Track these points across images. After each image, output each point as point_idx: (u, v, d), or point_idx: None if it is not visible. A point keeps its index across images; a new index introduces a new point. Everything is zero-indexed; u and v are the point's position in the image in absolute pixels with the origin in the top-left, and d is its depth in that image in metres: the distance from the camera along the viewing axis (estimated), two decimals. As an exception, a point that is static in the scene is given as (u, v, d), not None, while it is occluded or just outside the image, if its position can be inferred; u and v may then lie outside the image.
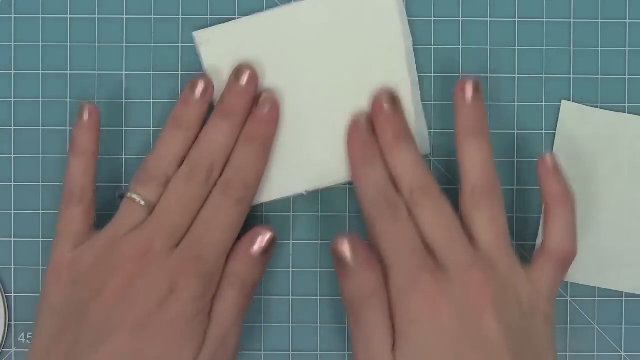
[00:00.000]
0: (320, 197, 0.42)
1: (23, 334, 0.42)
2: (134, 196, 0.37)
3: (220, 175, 0.38)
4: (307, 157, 0.41)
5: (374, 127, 0.39)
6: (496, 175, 0.38)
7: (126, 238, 0.36)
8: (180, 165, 0.38)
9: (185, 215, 0.37)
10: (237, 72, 0.39)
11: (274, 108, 0.39)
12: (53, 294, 0.36)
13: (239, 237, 0.38)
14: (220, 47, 0.41)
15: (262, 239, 0.38)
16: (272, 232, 0.38)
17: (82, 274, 0.36)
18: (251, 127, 0.39)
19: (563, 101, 0.42)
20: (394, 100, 0.39)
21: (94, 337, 0.34)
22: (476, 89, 0.38)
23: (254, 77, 0.39)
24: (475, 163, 0.38)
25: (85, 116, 0.38)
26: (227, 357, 0.37)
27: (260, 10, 0.42)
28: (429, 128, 0.42)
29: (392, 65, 0.41)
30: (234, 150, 0.38)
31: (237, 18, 0.41)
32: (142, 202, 0.37)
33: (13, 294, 0.42)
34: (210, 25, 0.42)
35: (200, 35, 0.41)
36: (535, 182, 0.42)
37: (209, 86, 0.39)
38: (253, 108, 0.39)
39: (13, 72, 0.42)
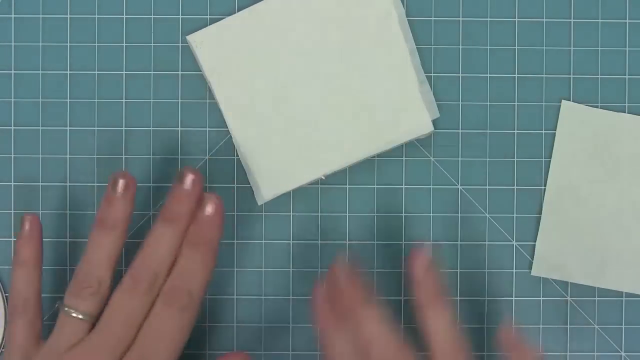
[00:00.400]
0: (320, 197, 0.42)
1: (23, 334, 0.42)
2: (71, 311, 0.36)
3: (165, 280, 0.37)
4: (319, 143, 0.41)
5: (338, 293, 0.38)
6: (460, 338, 0.37)
7: (69, 355, 0.36)
8: (113, 268, 0.37)
9: (129, 329, 0.36)
10: (181, 176, 0.38)
11: (218, 209, 0.38)
12: None
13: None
14: (216, 47, 0.41)
15: None
16: None
17: None
18: (195, 231, 0.37)
19: (563, 101, 0.42)
20: (349, 269, 0.38)
21: None
22: (429, 264, 0.37)
23: (198, 181, 0.37)
24: (437, 330, 0.37)
25: (27, 227, 0.38)
26: None
27: (260, 10, 0.42)
28: (429, 128, 0.42)
29: (389, 40, 0.41)
30: (179, 256, 0.37)
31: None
32: (80, 316, 0.36)
33: (13, 294, 0.42)
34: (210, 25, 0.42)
35: (194, 38, 0.41)
36: (534, 182, 0.42)
37: (131, 182, 0.37)
38: (197, 211, 0.38)
39: (13, 72, 0.42)
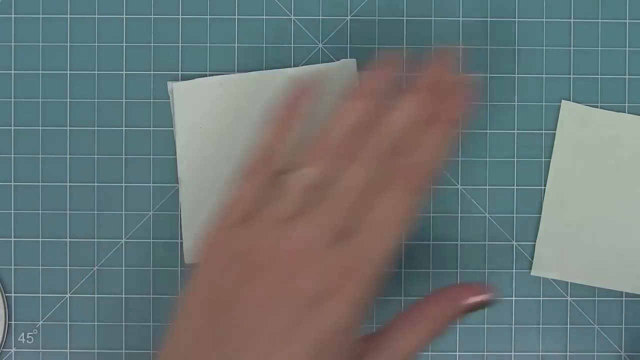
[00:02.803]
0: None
1: (23, 334, 0.42)
2: (303, 172, 0.31)
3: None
4: None
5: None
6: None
7: (289, 223, 0.30)
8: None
9: (358, 204, 0.31)
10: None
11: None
12: (203, 279, 0.31)
13: None
14: (193, 101, 0.40)
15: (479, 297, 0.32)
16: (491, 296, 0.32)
17: (235, 258, 0.30)
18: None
19: (563, 101, 0.42)
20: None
21: (240, 343, 0.29)
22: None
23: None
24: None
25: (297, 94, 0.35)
26: None
27: (259, 12, 0.42)
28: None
29: None
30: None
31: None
32: (311, 180, 0.31)
33: (13, 294, 0.42)
34: (209, 27, 0.42)
35: (175, 86, 0.41)
36: (534, 182, 0.42)
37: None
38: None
39: (13, 72, 0.42)
